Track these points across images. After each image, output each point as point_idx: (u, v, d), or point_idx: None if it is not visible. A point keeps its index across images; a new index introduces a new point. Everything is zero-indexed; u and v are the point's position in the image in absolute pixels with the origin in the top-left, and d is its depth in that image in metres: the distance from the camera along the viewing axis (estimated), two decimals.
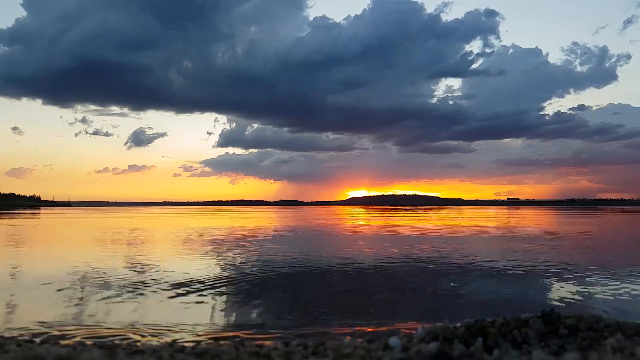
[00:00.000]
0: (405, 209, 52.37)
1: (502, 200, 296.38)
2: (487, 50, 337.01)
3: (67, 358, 1.58)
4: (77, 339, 3.09)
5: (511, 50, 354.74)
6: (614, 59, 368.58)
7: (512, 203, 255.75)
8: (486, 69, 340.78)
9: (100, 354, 1.75)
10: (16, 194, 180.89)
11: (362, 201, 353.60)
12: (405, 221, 20.58)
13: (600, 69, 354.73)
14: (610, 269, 6.72)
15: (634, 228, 19.18)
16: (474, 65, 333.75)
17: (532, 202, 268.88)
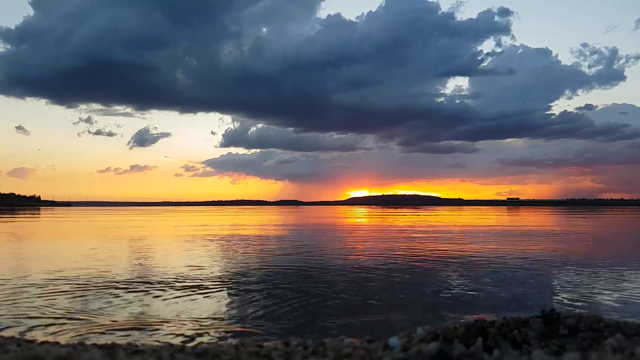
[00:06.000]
0: (397, 212, 52.40)
1: (502, 200, 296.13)
2: (497, 50, 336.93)
3: (67, 358, 1.58)
4: (77, 339, 3.09)
5: (520, 50, 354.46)
6: (622, 60, 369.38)
7: (512, 203, 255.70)
8: (495, 69, 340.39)
9: (100, 354, 1.75)
10: (16, 194, 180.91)
11: (363, 201, 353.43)
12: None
13: (609, 70, 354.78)
14: (611, 270, 6.73)
15: (626, 229, 19.19)
16: (483, 65, 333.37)
17: (532, 202, 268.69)
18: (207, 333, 3.38)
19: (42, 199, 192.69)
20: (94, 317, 3.89)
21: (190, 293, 4.93)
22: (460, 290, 5.14)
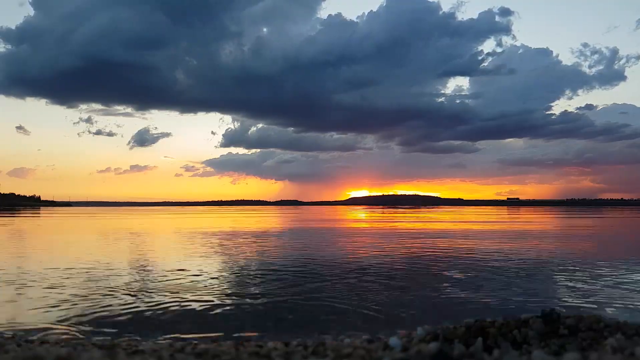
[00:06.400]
0: (394, 212, 52.33)
1: (502, 200, 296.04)
2: (498, 50, 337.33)
3: (67, 358, 1.58)
4: (77, 339, 3.08)
5: (520, 50, 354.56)
6: (623, 60, 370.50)
7: (512, 203, 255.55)
8: (495, 69, 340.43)
9: (100, 354, 1.75)
10: (16, 194, 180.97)
11: (363, 201, 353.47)
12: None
13: (610, 71, 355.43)
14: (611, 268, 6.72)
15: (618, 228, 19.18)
16: (484, 65, 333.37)
17: (532, 202, 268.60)
18: (207, 334, 3.38)
19: (42, 199, 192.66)
20: (95, 319, 3.89)
21: (190, 295, 4.93)
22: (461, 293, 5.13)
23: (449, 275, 6.18)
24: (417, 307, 4.41)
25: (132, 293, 4.91)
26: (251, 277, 6.03)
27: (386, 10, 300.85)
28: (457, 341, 1.79)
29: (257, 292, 5.03)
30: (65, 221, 25.18)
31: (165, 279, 5.85)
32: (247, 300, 4.60)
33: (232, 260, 7.85)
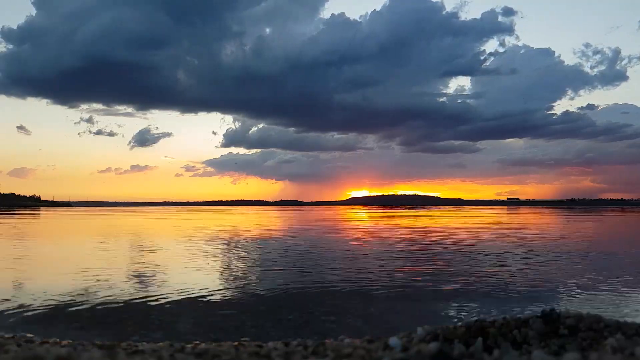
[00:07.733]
0: (391, 212, 52.36)
1: (502, 200, 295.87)
2: (500, 50, 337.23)
3: (67, 358, 1.58)
4: (77, 339, 3.08)
5: (522, 50, 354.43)
6: (625, 60, 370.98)
7: (512, 203, 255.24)
8: (497, 68, 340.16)
9: (100, 354, 1.75)
10: (16, 194, 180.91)
11: (363, 201, 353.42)
12: None
13: (612, 71, 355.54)
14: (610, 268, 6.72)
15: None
16: (486, 64, 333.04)
17: (532, 202, 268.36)
18: (207, 333, 3.38)
19: (42, 199, 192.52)
20: (95, 319, 3.89)
21: (190, 295, 4.93)
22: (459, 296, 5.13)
23: (449, 275, 6.18)
24: (417, 306, 4.40)
25: (132, 293, 4.91)
26: (251, 277, 6.03)
27: (389, 10, 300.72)
28: (457, 341, 1.79)
29: (257, 292, 5.03)
30: (66, 222, 25.21)
31: (164, 278, 5.85)
32: (247, 300, 4.61)
33: (231, 260, 7.85)
